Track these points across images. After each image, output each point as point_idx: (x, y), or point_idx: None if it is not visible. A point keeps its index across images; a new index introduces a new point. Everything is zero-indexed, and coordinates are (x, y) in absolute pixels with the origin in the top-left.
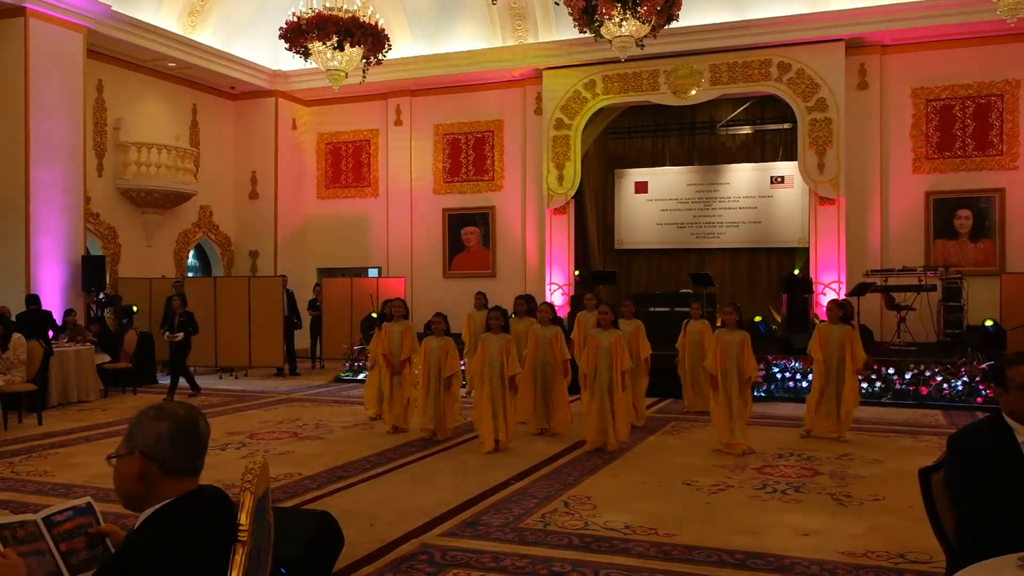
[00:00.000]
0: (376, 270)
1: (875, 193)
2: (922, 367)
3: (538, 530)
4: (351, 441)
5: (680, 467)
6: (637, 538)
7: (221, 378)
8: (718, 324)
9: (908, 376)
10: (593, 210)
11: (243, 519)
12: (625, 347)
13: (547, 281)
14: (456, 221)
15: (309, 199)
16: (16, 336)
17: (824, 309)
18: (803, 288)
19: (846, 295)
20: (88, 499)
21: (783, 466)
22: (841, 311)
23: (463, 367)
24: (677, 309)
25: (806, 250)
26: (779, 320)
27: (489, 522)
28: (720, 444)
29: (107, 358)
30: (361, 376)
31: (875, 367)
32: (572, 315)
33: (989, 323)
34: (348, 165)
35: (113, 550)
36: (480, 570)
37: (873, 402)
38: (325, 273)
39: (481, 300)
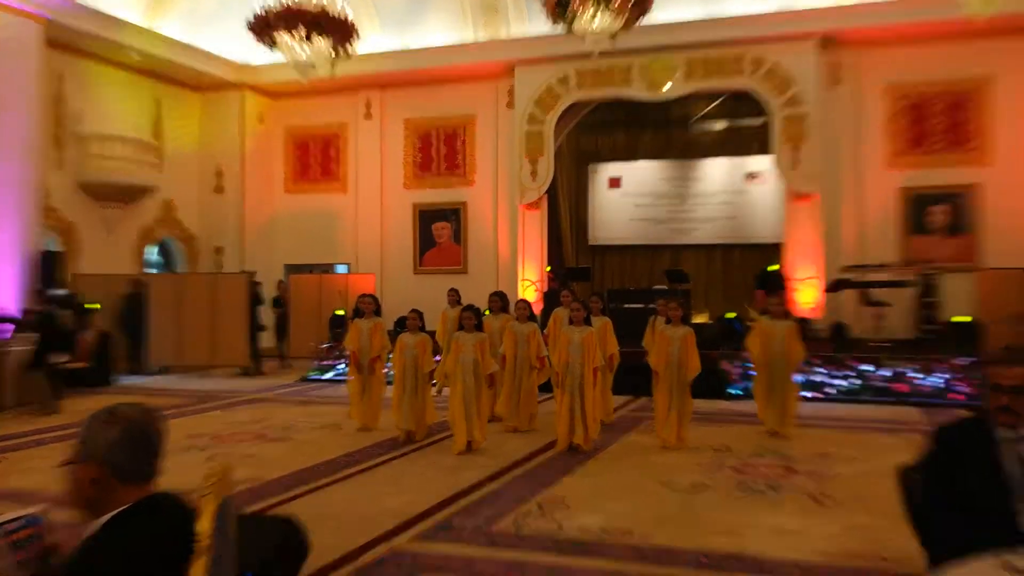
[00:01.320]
0: (345, 266)
1: (850, 189)
2: (899, 364)
3: (511, 534)
4: (318, 443)
5: (656, 467)
6: (613, 540)
7: (184, 378)
8: (664, 320)
9: (886, 373)
10: (566, 205)
11: (203, 526)
12: (597, 343)
13: (519, 277)
14: (427, 217)
15: (276, 194)
16: None
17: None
18: (778, 284)
19: (824, 291)
20: (41, 507)
21: (760, 465)
22: (784, 307)
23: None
24: (652, 306)
25: (781, 245)
26: (755, 316)
27: (461, 525)
28: (658, 440)
29: (65, 357)
30: (328, 376)
31: (814, 363)
32: (546, 312)
33: (963, 319)
34: (316, 159)
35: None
36: (452, 574)
37: (851, 400)
38: (293, 270)
39: (454, 297)
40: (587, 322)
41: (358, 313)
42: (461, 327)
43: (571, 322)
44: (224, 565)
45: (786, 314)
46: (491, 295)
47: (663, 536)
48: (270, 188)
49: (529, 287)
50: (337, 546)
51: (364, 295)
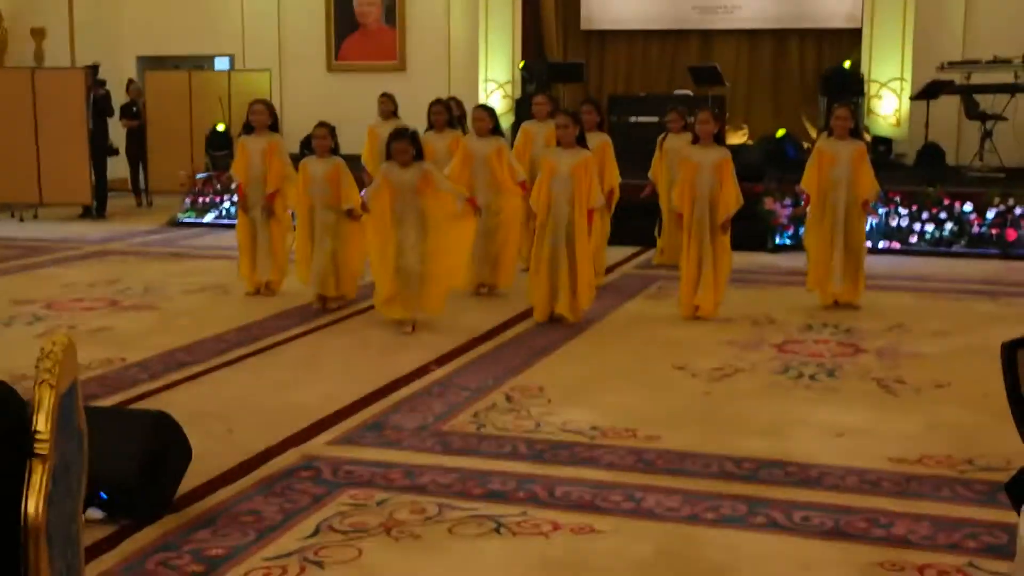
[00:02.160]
0: (227, 60)
1: None
2: (1011, 202)
3: (470, 434)
4: (198, 312)
5: (669, 344)
6: (608, 443)
7: None
8: (691, 139)
9: (991, 215)
10: None
11: (41, 424)
12: (595, 174)
13: (481, 77)
14: None
15: None
16: None
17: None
18: (851, 88)
19: (912, 97)
20: None
21: (813, 341)
22: (852, 121)
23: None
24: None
25: (858, 33)
26: (815, 135)
27: (400, 424)
28: (681, 309)
29: None
30: (209, 218)
31: (891, 199)
32: (516, 127)
33: None
34: None
35: None
36: (388, 490)
37: (940, 252)
38: (150, 64)
39: (388, 105)
40: (580, 142)
41: (248, 129)
42: (389, 156)
43: (558, 143)
44: (72, 476)
45: (853, 132)
46: (432, 105)
47: (677, 437)
48: None
49: (495, 92)
50: (228, 452)
51: (256, 102)
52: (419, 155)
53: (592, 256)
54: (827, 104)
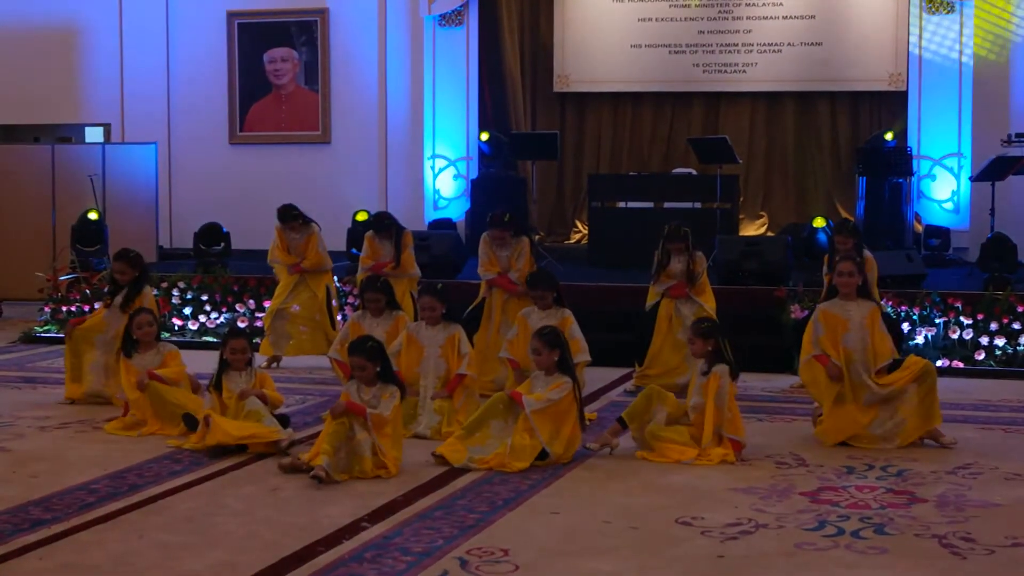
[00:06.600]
0: (99, 130)
1: None
2: None
3: None
4: (60, 455)
5: (670, 493)
6: None
7: None
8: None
9: None
10: (514, 19)
11: None
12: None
13: (426, 152)
14: (254, 37)
15: None
16: None
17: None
18: (895, 165)
19: (973, 178)
20: None
21: (855, 488)
22: (861, 276)
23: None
24: (669, 205)
25: (903, 97)
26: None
27: None
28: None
29: None
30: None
31: (950, 306)
32: (473, 218)
33: None
34: None
35: None
36: None
37: (1014, 371)
38: (1, 136)
39: (292, 213)
40: (557, 303)
41: (132, 345)
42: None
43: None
44: None
45: (861, 289)
46: (367, 284)
47: None
48: None
49: (445, 169)
50: None
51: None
52: (393, 303)
53: None
54: (865, 184)
